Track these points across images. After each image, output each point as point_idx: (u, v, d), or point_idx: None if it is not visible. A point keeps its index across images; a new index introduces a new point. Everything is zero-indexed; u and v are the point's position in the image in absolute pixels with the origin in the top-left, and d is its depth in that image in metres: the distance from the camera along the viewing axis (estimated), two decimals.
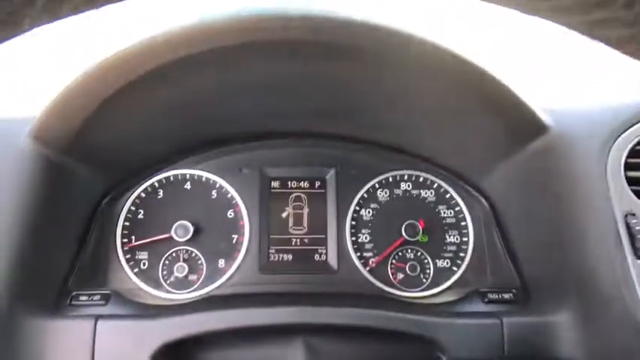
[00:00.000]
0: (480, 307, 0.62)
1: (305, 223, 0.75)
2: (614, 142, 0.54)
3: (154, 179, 0.74)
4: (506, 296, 0.63)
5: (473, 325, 0.56)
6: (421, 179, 0.76)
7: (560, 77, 0.76)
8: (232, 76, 0.54)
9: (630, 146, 0.54)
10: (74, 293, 0.61)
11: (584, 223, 0.54)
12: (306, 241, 0.75)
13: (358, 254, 0.73)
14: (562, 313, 0.55)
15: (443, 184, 0.76)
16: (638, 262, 0.49)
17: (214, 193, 0.75)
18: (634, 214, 0.51)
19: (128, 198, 0.73)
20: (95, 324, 0.54)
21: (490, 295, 0.63)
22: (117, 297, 0.62)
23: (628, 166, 0.54)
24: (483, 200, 0.73)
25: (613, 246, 0.51)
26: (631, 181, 0.53)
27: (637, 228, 0.50)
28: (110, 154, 0.65)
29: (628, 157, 0.54)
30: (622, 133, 0.55)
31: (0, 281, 0.52)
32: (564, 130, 0.58)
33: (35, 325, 0.54)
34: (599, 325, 0.52)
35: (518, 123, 0.56)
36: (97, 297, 0.60)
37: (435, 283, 0.72)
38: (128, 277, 0.70)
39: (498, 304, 0.62)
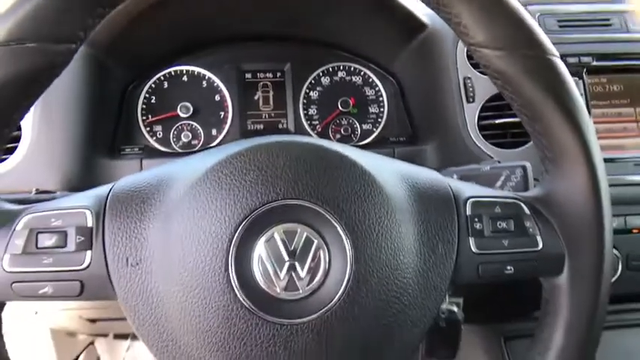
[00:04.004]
0: (385, 146, 0.96)
1: (271, 102, 1.06)
2: None
3: (160, 74, 1.03)
4: (401, 139, 0.97)
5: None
6: (352, 68, 1.07)
7: None
8: None
9: None
10: (121, 147, 0.92)
11: (444, 87, 0.87)
12: (272, 115, 1.06)
13: (309, 122, 1.05)
14: (429, 144, 0.90)
15: (367, 71, 1.06)
16: (468, 105, 0.83)
17: (204, 83, 1.04)
18: (470, 78, 0.84)
19: (143, 88, 1.02)
20: (141, 161, 0.87)
21: (392, 139, 0.98)
22: (149, 149, 0.94)
23: None
24: (394, 81, 1.05)
25: (457, 98, 0.85)
26: (470, 57, 0.86)
27: (469, 84, 0.83)
28: (134, 53, 0.95)
29: None
30: None
31: (77, 140, 0.83)
32: (436, 27, 0.89)
33: (103, 165, 0.86)
34: (447, 149, 0.87)
35: (405, 21, 0.87)
36: (136, 149, 0.93)
37: (361, 139, 1.05)
38: (150, 143, 1.01)
39: (396, 143, 0.97)
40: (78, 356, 1.44)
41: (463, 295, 0.79)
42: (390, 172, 0.47)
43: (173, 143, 1.01)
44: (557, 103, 0.46)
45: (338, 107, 1.04)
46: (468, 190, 0.50)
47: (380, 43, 0.98)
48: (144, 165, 0.86)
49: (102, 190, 0.47)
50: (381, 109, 1.06)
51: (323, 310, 0.41)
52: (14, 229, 0.43)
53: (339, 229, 0.42)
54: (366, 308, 0.42)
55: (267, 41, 1.06)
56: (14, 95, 0.43)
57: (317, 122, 1.05)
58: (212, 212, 0.42)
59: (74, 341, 1.41)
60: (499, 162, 0.74)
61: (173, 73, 1.03)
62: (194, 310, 0.41)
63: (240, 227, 0.42)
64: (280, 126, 1.05)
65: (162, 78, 1.03)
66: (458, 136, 0.84)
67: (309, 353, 0.41)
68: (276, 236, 0.42)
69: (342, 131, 1.04)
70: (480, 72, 0.85)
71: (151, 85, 1.02)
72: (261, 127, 1.05)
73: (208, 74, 1.04)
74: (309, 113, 1.05)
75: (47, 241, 0.43)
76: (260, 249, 0.42)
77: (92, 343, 1.51)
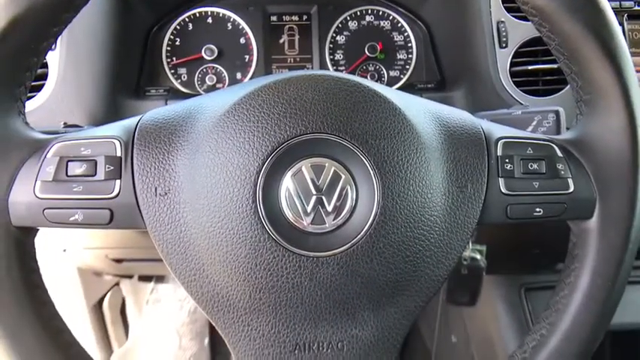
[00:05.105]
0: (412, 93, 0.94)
1: (296, 47, 1.04)
2: None
3: (184, 15, 1.01)
4: (429, 85, 0.95)
5: None
6: (380, 12, 1.04)
7: None
8: None
9: None
10: (146, 88, 0.92)
11: (476, 31, 0.84)
12: (297, 59, 1.04)
13: (335, 68, 1.03)
14: (458, 91, 0.87)
15: (396, 15, 1.04)
16: (501, 50, 0.81)
17: (229, 25, 1.02)
18: (503, 22, 0.81)
19: (168, 29, 1.01)
20: (166, 102, 0.86)
21: (419, 85, 0.95)
22: (174, 91, 0.93)
23: None
24: (423, 26, 1.02)
25: (490, 44, 0.82)
26: (504, 1, 0.82)
27: (502, 29, 0.80)
28: None
29: None
30: None
31: (103, 78, 0.83)
32: None
33: (128, 105, 0.86)
34: (477, 95, 0.84)
35: None
36: (162, 90, 0.92)
37: (388, 86, 1.03)
38: (175, 85, 1.00)
39: (424, 90, 0.94)
40: (104, 296, 1.49)
41: (486, 244, 0.78)
42: (420, 110, 0.46)
43: (197, 86, 1.01)
44: (598, 41, 0.44)
45: (365, 52, 1.02)
46: (500, 130, 0.48)
47: None
48: (169, 103, 0.86)
49: (130, 121, 0.47)
50: (410, 55, 1.03)
51: (349, 244, 0.41)
52: (45, 157, 0.44)
53: (367, 164, 0.42)
54: (391, 244, 0.42)
55: None
56: (43, 23, 0.42)
57: (343, 67, 1.03)
58: (240, 144, 0.42)
59: (100, 281, 1.46)
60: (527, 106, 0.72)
61: (198, 14, 1.01)
62: (221, 240, 0.42)
63: (268, 160, 0.41)
64: (305, 69, 1.04)
65: (186, 19, 1.01)
66: (488, 82, 0.82)
67: (333, 285, 0.42)
68: (304, 170, 0.42)
69: (369, 77, 1.02)
70: (515, 16, 0.82)
71: (175, 27, 1.01)
72: (287, 70, 1.03)
73: (234, 16, 1.02)
74: (336, 58, 1.03)
75: (77, 169, 0.43)
76: (287, 182, 0.41)
77: (117, 284, 1.56)
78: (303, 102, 0.43)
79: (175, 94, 0.93)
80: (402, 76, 1.03)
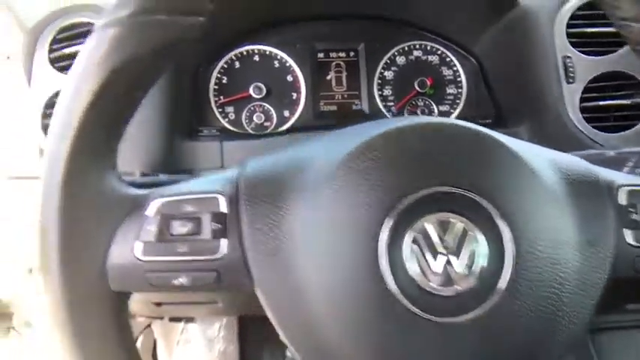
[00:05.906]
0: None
1: (344, 83, 1.02)
2: (559, 10, 0.81)
3: (232, 54, 1.00)
4: (488, 121, 0.93)
5: None
6: (429, 47, 1.02)
7: None
8: None
9: (569, 14, 0.81)
10: (199, 128, 0.90)
11: (539, 66, 0.82)
12: (345, 96, 1.02)
13: (384, 104, 1.01)
14: (522, 126, 0.85)
15: (445, 50, 1.02)
16: (568, 85, 0.79)
17: (276, 63, 1.01)
18: (570, 57, 0.79)
19: (215, 68, 0.99)
20: (221, 143, 0.84)
21: (479, 120, 0.93)
22: (225, 131, 0.92)
23: (569, 26, 0.81)
24: (474, 60, 1.00)
25: (555, 78, 0.80)
26: (570, 35, 0.81)
27: (569, 64, 0.78)
28: (207, 31, 0.91)
29: (570, 19, 0.81)
30: (565, 4, 0.81)
31: (159, 121, 0.81)
32: (528, 3, 0.84)
33: (182, 146, 0.84)
34: (545, 132, 0.82)
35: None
36: (214, 130, 0.90)
37: None
38: (223, 124, 0.98)
39: (482, 125, 0.92)
40: (136, 339, 1.45)
41: None
42: (540, 158, 0.44)
43: (245, 125, 0.99)
44: None
45: (415, 88, 1.00)
46: (619, 177, 0.46)
47: (462, 22, 0.94)
48: (224, 147, 0.84)
49: (230, 173, 0.44)
50: (459, 90, 1.01)
51: (482, 306, 0.38)
52: (145, 216, 0.41)
53: (496, 220, 0.39)
54: (525, 305, 0.39)
55: (340, 19, 1.02)
56: (143, 71, 0.40)
57: (392, 103, 1.01)
58: (360, 199, 0.39)
59: (134, 323, 1.41)
60: (602, 146, 0.70)
61: (245, 52, 1.00)
62: (340, 301, 0.38)
63: (391, 216, 0.38)
64: (354, 107, 1.02)
65: (233, 57, 1.00)
66: (557, 118, 0.79)
67: (468, 352, 0.38)
68: (430, 226, 0.39)
69: (419, 113, 1.00)
70: (580, 51, 0.80)
71: (222, 66, 0.99)
72: (334, 108, 1.02)
73: (280, 54, 1.00)
74: (384, 94, 1.02)
75: (181, 228, 0.41)
76: (412, 240, 0.38)
77: (149, 325, 1.51)
78: (424, 153, 0.40)
79: (228, 135, 0.91)
80: (452, 110, 1.01)
